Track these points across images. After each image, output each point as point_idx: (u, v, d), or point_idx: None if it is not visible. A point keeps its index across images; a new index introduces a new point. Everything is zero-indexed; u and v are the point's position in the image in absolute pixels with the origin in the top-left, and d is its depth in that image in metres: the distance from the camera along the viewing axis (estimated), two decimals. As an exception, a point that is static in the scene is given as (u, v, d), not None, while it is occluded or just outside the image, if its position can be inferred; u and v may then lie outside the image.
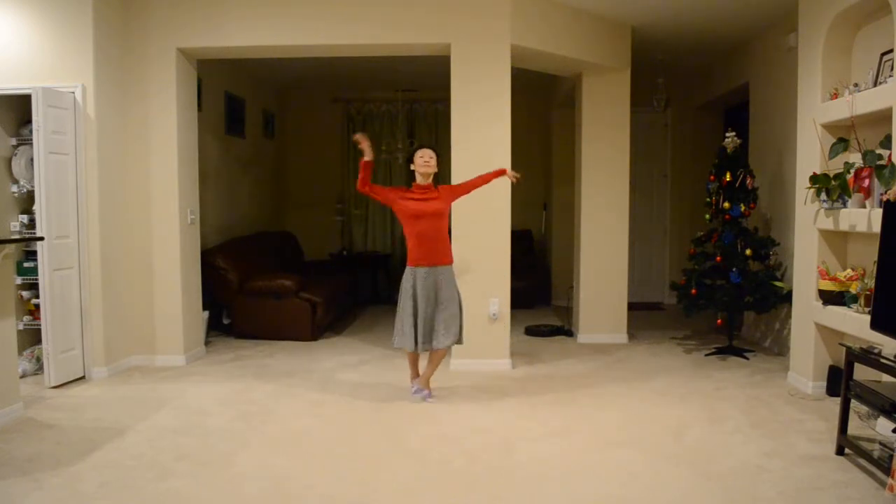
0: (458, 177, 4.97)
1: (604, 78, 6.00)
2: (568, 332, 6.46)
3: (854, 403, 3.42)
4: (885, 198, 3.28)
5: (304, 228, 8.78)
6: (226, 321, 6.52)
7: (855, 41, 4.35)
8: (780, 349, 5.64)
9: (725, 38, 6.28)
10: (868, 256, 4.05)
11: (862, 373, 3.51)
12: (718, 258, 5.47)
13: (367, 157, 4.23)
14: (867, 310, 3.69)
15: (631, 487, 3.07)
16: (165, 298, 5.31)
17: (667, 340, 6.23)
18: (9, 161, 5.00)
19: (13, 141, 5.01)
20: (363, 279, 8.45)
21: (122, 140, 5.20)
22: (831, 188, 4.13)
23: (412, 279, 4.23)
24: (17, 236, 4.86)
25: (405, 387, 4.66)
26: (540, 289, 8.14)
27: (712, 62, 7.26)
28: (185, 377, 4.99)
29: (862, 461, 3.27)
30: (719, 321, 5.83)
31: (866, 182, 3.86)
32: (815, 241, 4.42)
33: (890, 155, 3.67)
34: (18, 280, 4.92)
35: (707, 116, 8.07)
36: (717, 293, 5.46)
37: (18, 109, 4.96)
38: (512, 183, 4.69)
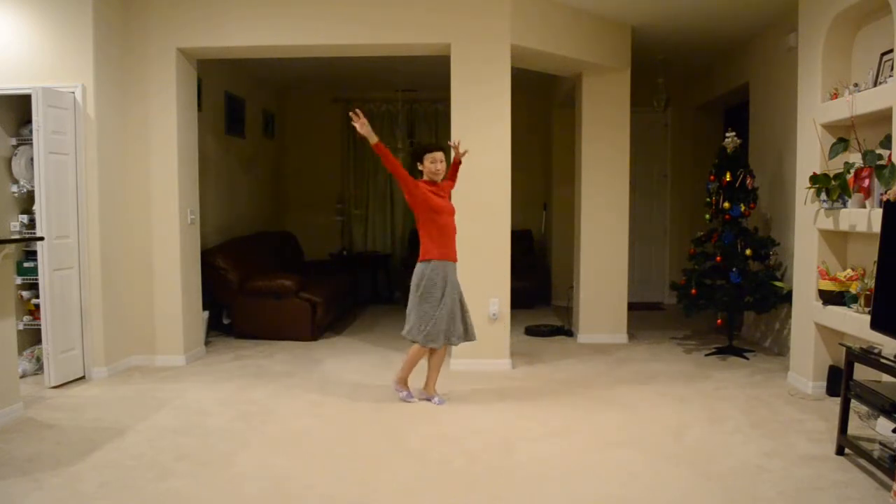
0: (458, 176, 4.97)
1: (604, 78, 6.01)
2: (568, 332, 6.46)
3: (854, 403, 3.42)
4: (885, 198, 3.28)
5: (304, 228, 8.79)
6: (226, 321, 6.52)
7: (855, 41, 4.35)
8: (780, 349, 5.64)
9: (725, 38, 6.28)
10: (868, 256, 4.05)
11: (862, 373, 3.51)
12: (718, 258, 5.48)
13: (373, 139, 4.08)
14: (867, 310, 3.69)
15: (631, 487, 3.07)
16: (165, 298, 5.31)
17: (667, 340, 6.23)
18: (9, 161, 5.00)
19: (13, 141, 5.01)
20: (363, 279, 8.44)
21: (122, 140, 5.20)
22: (831, 188, 4.12)
23: (442, 272, 4.16)
24: (17, 236, 4.86)
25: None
26: (540, 289, 8.14)
27: (712, 62, 7.26)
28: (185, 377, 4.99)
29: (862, 461, 3.27)
30: (719, 321, 5.83)
31: (866, 182, 3.86)
32: (815, 241, 4.42)
33: (890, 155, 3.67)
34: (18, 280, 4.92)
35: (707, 116, 8.06)
36: (717, 293, 5.46)
37: (18, 109, 4.96)
38: (457, 150, 4.55)
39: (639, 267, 8.13)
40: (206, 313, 5.92)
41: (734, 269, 5.38)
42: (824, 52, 4.35)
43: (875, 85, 3.91)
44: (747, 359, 5.46)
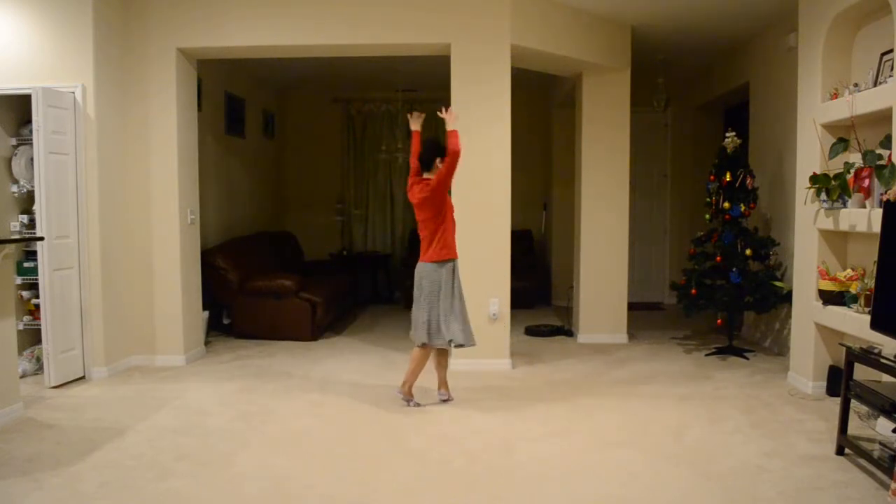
0: (457, 176, 4.97)
1: (604, 78, 6.01)
2: (568, 332, 6.46)
3: (854, 403, 3.42)
4: (885, 198, 3.28)
5: (304, 228, 8.79)
6: (226, 321, 6.52)
7: (855, 41, 4.35)
8: (780, 349, 5.64)
9: (725, 38, 6.28)
10: (868, 256, 4.05)
11: (862, 373, 3.51)
12: (718, 258, 5.48)
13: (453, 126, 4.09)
14: (867, 310, 3.69)
15: (631, 487, 3.07)
16: (165, 298, 5.31)
17: (667, 340, 6.23)
18: (9, 161, 5.00)
19: (13, 141, 5.01)
20: (363, 279, 8.45)
21: (122, 140, 5.20)
22: (831, 188, 4.12)
23: (452, 270, 4.18)
24: (17, 236, 4.86)
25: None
26: (540, 289, 8.14)
27: (712, 62, 7.26)
28: (185, 377, 4.99)
29: (862, 461, 3.27)
30: (719, 321, 5.83)
31: (866, 182, 3.86)
32: (815, 241, 4.42)
33: (890, 155, 3.67)
34: (18, 280, 4.92)
35: (707, 116, 8.06)
36: (717, 293, 5.46)
37: (18, 109, 4.96)
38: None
39: (639, 267, 8.13)
40: (206, 313, 5.92)
41: (734, 269, 5.38)
42: (824, 52, 4.35)
43: (875, 85, 3.91)
44: (747, 359, 5.46)
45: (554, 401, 4.39)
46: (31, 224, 4.91)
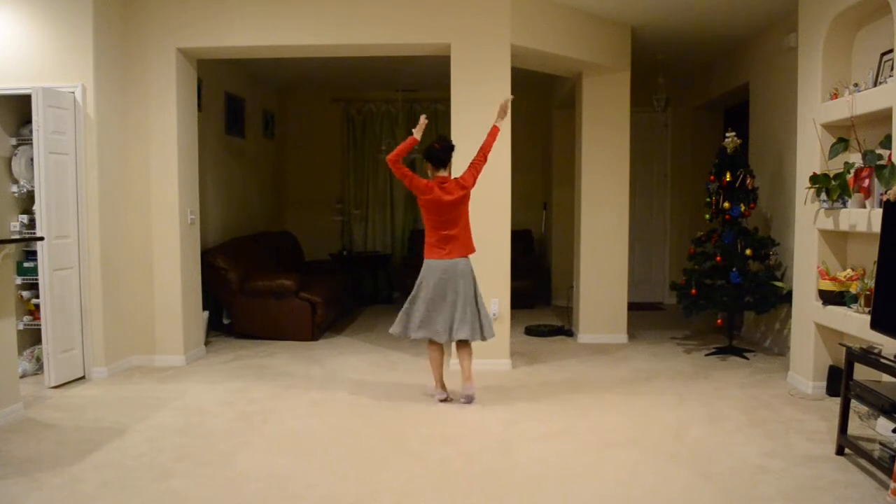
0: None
1: (604, 78, 6.01)
2: (568, 332, 6.46)
3: (854, 403, 3.42)
4: (885, 198, 3.28)
5: (304, 228, 8.79)
6: (226, 321, 6.52)
7: (855, 41, 4.35)
8: (780, 349, 5.64)
9: (725, 38, 6.28)
10: (868, 256, 4.05)
11: (862, 373, 3.51)
12: (718, 258, 5.48)
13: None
14: (867, 310, 3.69)
15: (631, 487, 3.07)
16: (165, 298, 5.31)
17: (667, 340, 6.23)
18: (9, 161, 5.00)
19: (13, 141, 5.01)
20: (363, 279, 8.45)
21: (122, 140, 5.20)
22: (831, 188, 4.12)
23: (429, 273, 4.29)
24: (17, 236, 4.86)
25: (405, 386, 4.67)
26: (540, 289, 8.14)
27: (712, 62, 7.26)
28: (185, 377, 4.99)
29: (862, 461, 3.27)
30: (719, 321, 5.83)
31: (866, 182, 3.86)
32: (815, 241, 4.42)
33: (890, 155, 3.67)
34: (18, 280, 4.92)
35: (707, 116, 8.07)
36: (717, 293, 5.46)
37: (18, 109, 4.96)
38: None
39: (639, 267, 8.14)
40: (206, 313, 5.92)
41: (734, 269, 5.38)
42: (824, 52, 4.35)
43: (875, 85, 3.91)
44: (747, 359, 5.46)
45: (553, 401, 4.39)
46: (31, 224, 4.91)
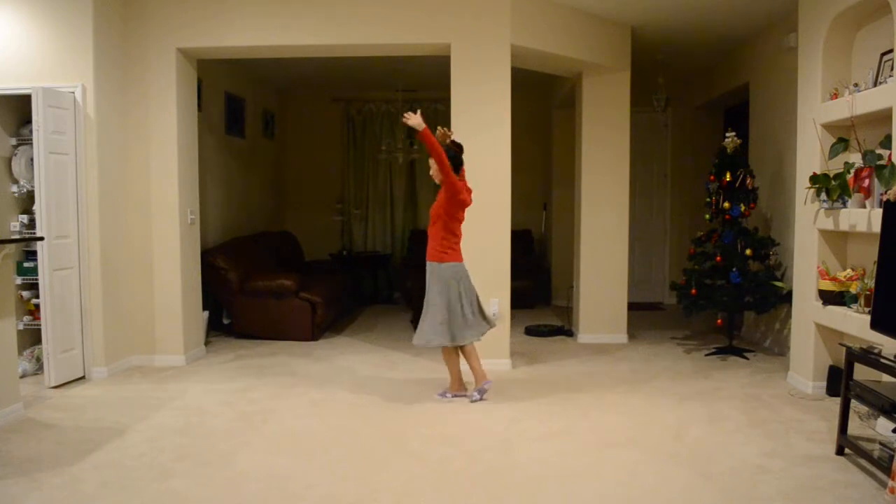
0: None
1: (604, 78, 6.01)
2: (568, 332, 6.46)
3: (854, 403, 3.42)
4: (885, 198, 3.28)
5: (304, 228, 8.79)
6: (226, 321, 6.52)
7: (855, 41, 4.35)
8: (780, 349, 5.64)
9: (725, 38, 6.28)
10: (868, 256, 4.05)
11: (862, 373, 3.51)
12: (718, 258, 5.48)
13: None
14: (867, 310, 3.69)
15: (631, 487, 3.07)
16: (165, 298, 5.31)
17: (667, 340, 6.23)
18: (9, 161, 5.00)
19: (13, 141, 5.01)
20: (363, 279, 8.45)
21: (122, 140, 5.20)
22: (831, 188, 4.12)
23: (464, 274, 4.33)
24: (17, 236, 4.86)
25: (405, 386, 4.66)
26: (540, 289, 8.14)
27: (712, 62, 7.26)
28: (185, 377, 4.99)
29: (862, 461, 3.27)
30: (719, 321, 5.83)
31: (866, 182, 3.86)
32: (815, 241, 4.42)
33: (890, 155, 3.67)
34: (18, 280, 4.92)
35: (707, 116, 8.07)
36: (717, 293, 5.46)
37: (18, 109, 4.97)
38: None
39: (639, 267, 8.14)
40: (206, 313, 5.92)
41: (734, 269, 5.38)
42: (824, 52, 4.35)
43: (875, 85, 3.91)
44: (747, 359, 5.46)
45: (554, 401, 4.39)
46: (31, 224, 4.91)
